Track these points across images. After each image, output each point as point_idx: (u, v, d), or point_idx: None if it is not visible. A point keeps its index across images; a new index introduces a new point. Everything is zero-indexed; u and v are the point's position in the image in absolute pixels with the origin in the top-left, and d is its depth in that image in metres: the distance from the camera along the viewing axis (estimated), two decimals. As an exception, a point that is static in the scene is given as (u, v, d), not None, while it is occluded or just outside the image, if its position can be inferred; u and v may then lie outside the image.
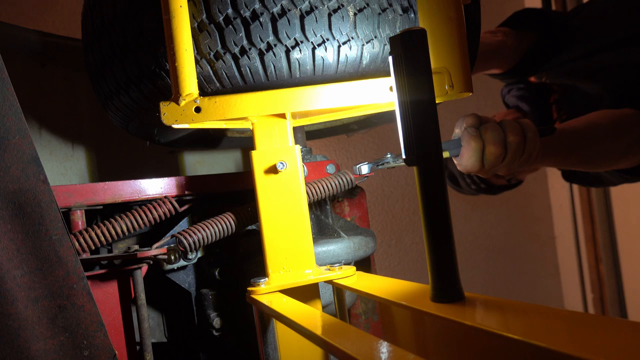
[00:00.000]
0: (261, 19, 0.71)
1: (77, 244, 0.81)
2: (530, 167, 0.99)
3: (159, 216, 0.88)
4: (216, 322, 0.93)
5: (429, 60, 0.59)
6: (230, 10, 0.71)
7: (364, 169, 0.79)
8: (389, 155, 0.80)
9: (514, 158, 0.87)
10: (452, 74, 0.68)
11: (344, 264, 0.83)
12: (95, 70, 0.87)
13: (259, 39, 0.71)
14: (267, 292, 0.77)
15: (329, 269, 0.81)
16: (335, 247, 0.92)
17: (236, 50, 0.72)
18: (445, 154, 0.86)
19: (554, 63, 1.52)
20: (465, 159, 0.85)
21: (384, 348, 0.48)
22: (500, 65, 1.59)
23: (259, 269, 0.89)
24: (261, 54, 0.72)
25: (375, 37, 0.74)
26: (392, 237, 2.44)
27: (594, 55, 1.44)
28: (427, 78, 0.58)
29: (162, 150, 1.41)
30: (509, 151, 0.85)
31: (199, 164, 1.49)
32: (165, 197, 0.91)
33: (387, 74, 0.77)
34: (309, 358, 0.84)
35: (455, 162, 0.89)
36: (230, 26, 0.71)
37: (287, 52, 0.72)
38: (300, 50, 0.72)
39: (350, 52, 0.74)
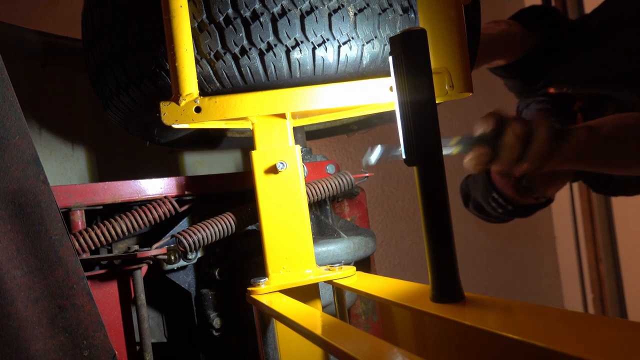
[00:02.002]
0: (261, 19, 0.71)
1: (77, 244, 0.81)
2: (552, 167, 1.00)
3: (159, 216, 0.88)
4: (216, 322, 0.93)
5: (429, 60, 0.59)
6: (230, 10, 0.71)
7: (376, 151, 0.79)
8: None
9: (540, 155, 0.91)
10: (452, 74, 0.68)
11: (344, 264, 0.83)
12: (95, 70, 0.87)
13: (259, 39, 0.71)
14: (267, 292, 0.77)
15: (329, 269, 0.81)
16: (335, 247, 0.92)
17: (236, 50, 0.72)
18: (454, 150, 0.87)
19: (572, 70, 1.45)
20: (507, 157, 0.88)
21: (384, 348, 0.48)
22: (503, 56, 1.52)
23: (259, 269, 0.89)
24: (261, 54, 0.72)
25: (376, 37, 0.74)
26: (392, 237, 2.43)
27: (620, 60, 1.34)
28: (427, 78, 0.58)
29: (162, 150, 1.41)
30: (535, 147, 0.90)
31: (198, 164, 1.49)
32: (165, 197, 0.91)
33: (388, 74, 0.77)
34: (309, 358, 0.84)
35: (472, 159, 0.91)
36: (231, 26, 0.71)
37: (288, 52, 0.72)
38: (300, 50, 0.72)
39: (350, 52, 0.74)
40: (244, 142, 1.29)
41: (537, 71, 1.52)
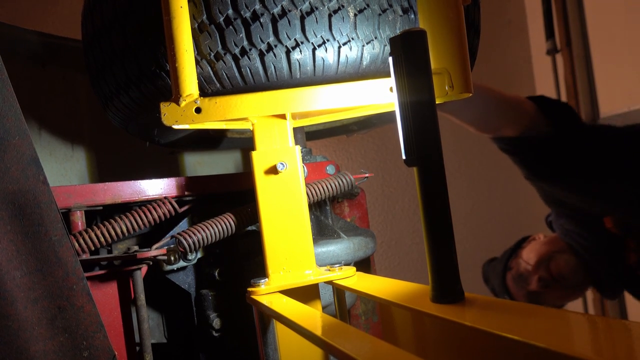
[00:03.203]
0: (261, 20, 0.71)
1: (76, 244, 0.81)
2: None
3: (159, 217, 0.88)
4: (216, 322, 0.93)
5: (429, 61, 0.59)
6: (230, 11, 0.71)
7: None
8: None
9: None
10: (452, 75, 0.68)
11: (344, 265, 0.83)
12: (95, 70, 0.87)
13: (259, 39, 0.71)
14: (267, 293, 0.77)
15: (329, 270, 0.81)
16: (335, 248, 0.92)
17: (236, 50, 0.72)
18: None
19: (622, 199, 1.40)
20: None
21: (384, 348, 0.48)
22: (512, 124, 1.48)
23: (259, 270, 0.89)
24: (261, 55, 0.72)
25: (376, 37, 0.74)
26: (392, 237, 2.43)
27: None
28: (427, 79, 0.58)
29: (162, 151, 1.41)
30: None
31: (198, 164, 1.49)
32: (165, 197, 0.91)
33: (388, 75, 0.77)
34: (309, 359, 0.84)
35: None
36: (231, 27, 0.71)
37: (288, 52, 0.72)
38: (300, 51, 0.72)
39: (350, 52, 0.74)
40: (244, 143, 1.29)
41: (546, 159, 1.48)
